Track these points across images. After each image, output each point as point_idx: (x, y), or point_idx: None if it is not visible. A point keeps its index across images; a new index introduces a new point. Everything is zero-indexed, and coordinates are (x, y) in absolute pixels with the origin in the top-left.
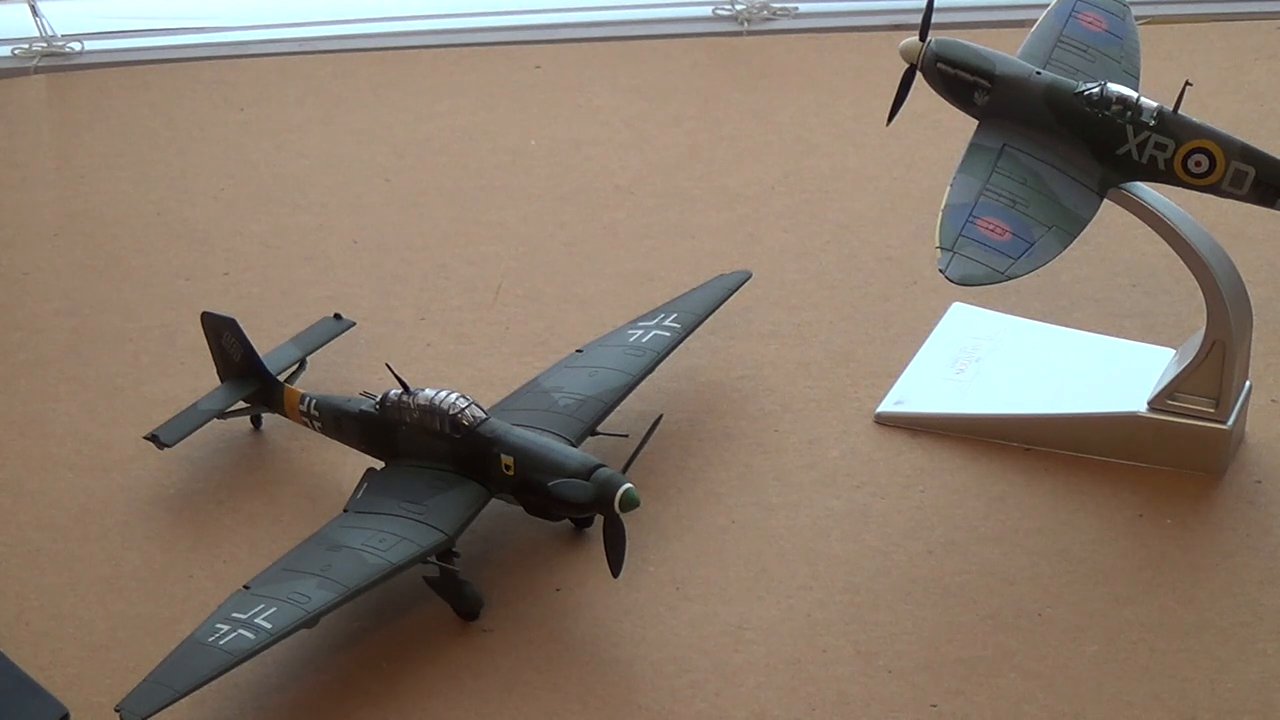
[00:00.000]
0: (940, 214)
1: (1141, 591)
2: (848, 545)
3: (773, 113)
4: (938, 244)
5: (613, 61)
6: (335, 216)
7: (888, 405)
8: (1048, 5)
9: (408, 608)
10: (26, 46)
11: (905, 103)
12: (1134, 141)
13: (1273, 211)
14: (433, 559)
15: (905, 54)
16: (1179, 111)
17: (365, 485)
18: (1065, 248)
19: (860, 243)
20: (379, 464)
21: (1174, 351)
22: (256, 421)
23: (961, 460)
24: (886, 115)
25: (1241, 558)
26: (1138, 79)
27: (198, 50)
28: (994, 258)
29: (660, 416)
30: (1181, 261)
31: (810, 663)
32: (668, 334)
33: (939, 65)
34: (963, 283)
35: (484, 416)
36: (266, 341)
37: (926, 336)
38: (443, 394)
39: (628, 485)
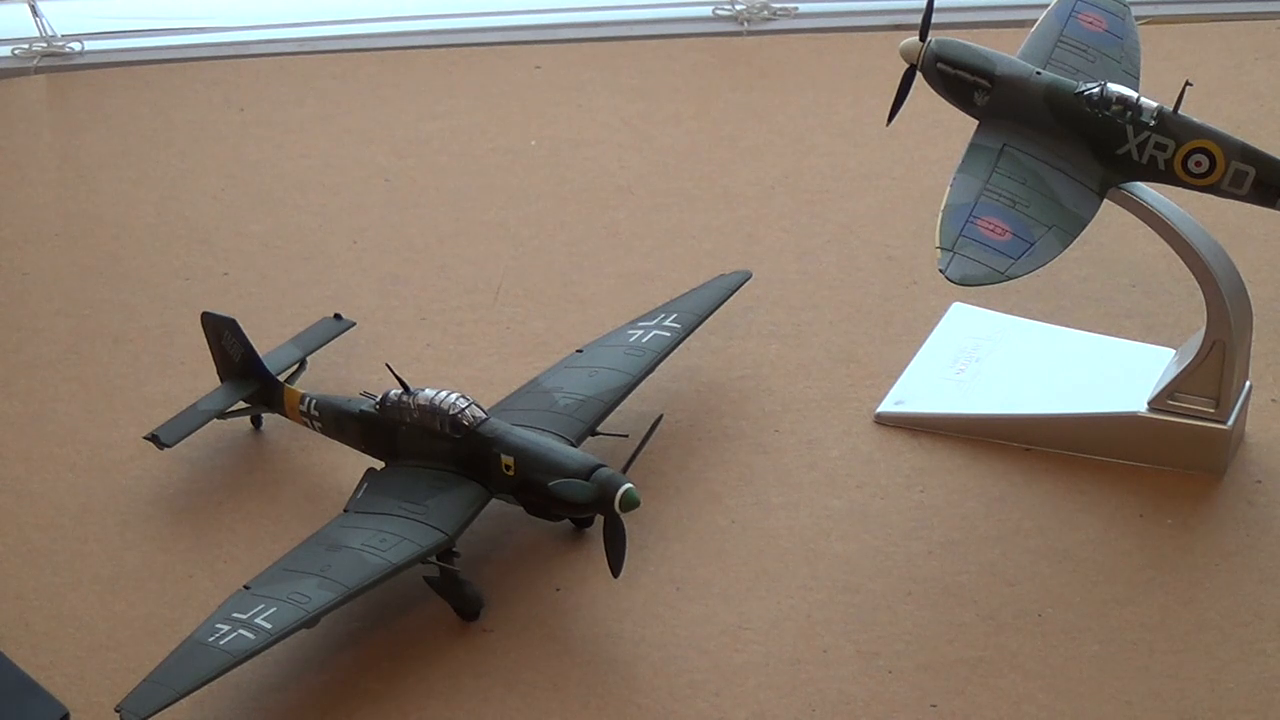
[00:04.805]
0: (940, 214)
1: (1141, 591)
2: (848, 545)
3: (773, 113)
4: (938, 244)
5: (613, 61)
6: (335, 216)
7: (888, 405)
8: (1048, 5)
9: (408, 608)
10: (26, 46)
11: (905, 103)
12: (1134, 141)
13: (1273, 211)
14: (433, 559)
15: (905, 54)
16: (1179, 111)
17: (365, 485)
18: (1065, 248)
19: (860, 243)
20: (379, 464)
21: (1174, 351)
22: (256, 421)
23: (961, 460)
24: (886, 115)
25: (1241, 558)
26: (1138, 79)
27: (198, 50)
28: (994, 258)
29: (660, 416)
30: (1181, 261)
31: (810, 663)
32: (668, 334)
33: (939, 65)
34: (963, 283)
35: (484, 417)
36: (266, 341)
37: (926, 336)
38: (443, 394)
39: (628, 485)
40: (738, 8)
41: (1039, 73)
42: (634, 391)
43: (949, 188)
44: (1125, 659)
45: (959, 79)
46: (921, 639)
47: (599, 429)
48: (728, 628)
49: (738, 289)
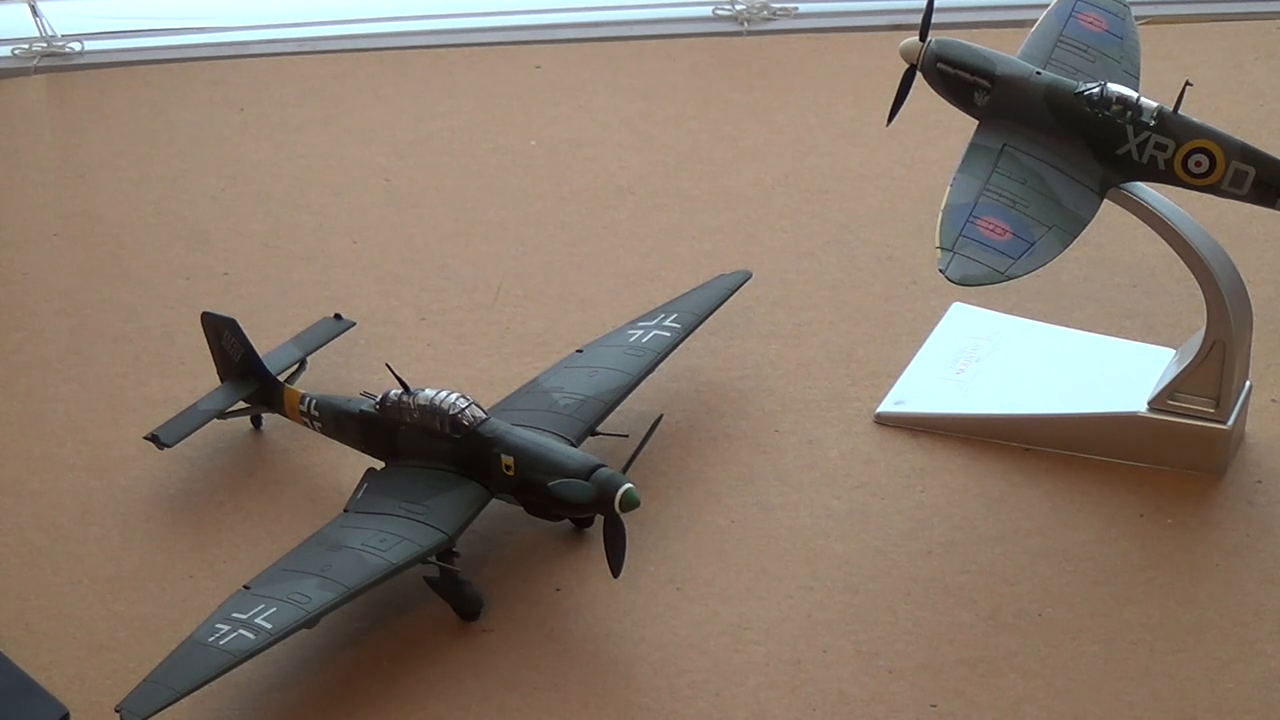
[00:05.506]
0: (940, 214)
1: (1141, 591)
2: (848, 545)
3: (773, 113)
4: (938, 244)
5: (613, 61)
6: (335, 216)
7: (888, 405)
8: (1048, 5)
9: (408, 608)
10: (26, 46)
11: (905, 103)
12: (1134, 141)
13: (1273, 211)
14: (433, 559)
15: (905, 54)
16: (1179, 111)
17: (365, 485)
18: (1065, 248)
19: (860, 243)
20: (379, 464)
21: (1174, 351)
22: (256, 421)
23: (961, 460)
24: (886, 115)
25: (1241, 558)
26: (1138, 79)
27: (198, 50)
28: (994, 258)
29: (660, 416)
30: (1181, 261)
31: (810, 663)
32: (668, 334)
33: (939, 65)
34: (963, 283)
35: (484, 417)
36: (266, 341)
37: (926, 336)
38: (443, 394)
39: (628, 485)
40: (738, 8)
41: (1039, 73)
42: (634, 391)
43: (949, 188)
44: (1125, 659)
45: (959, 79)
46: (921, 639)
47: (599, 429)
48: (728, 628)
49: (738, 289)
